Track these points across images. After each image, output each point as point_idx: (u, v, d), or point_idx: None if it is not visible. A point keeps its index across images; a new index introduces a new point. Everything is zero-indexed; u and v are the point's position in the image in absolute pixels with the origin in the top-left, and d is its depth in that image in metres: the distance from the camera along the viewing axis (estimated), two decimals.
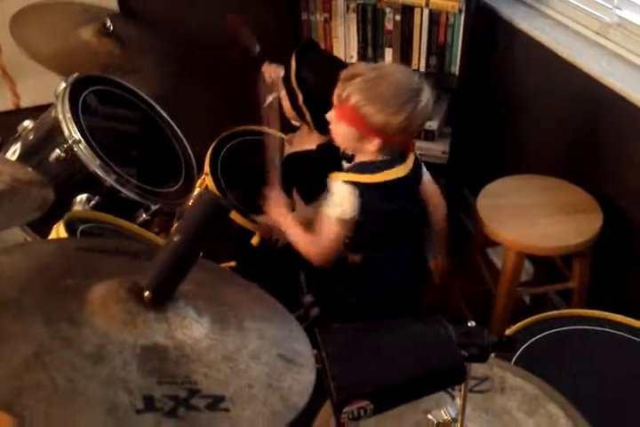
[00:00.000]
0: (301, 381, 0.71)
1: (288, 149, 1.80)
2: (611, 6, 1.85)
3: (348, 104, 1.35)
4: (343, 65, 1.77)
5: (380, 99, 1.34)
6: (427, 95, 1.38)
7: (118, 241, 1.13)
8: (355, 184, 1.42)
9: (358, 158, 1.48)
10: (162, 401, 0.59)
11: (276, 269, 1.67)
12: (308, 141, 1.73)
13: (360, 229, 1.46)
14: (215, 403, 0.62)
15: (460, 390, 0.92)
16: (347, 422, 0.78)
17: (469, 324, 0.87)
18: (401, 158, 1.48)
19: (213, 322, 0.73)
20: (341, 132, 1.43)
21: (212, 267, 0.94)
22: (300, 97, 1.61)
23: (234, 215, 1.71)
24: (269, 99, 1.82)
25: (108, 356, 0.62)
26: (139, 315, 0.68)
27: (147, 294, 0.69)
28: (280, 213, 1.52)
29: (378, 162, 1.45)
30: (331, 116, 1.44)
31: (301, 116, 1.66)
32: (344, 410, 0.77)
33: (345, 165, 1.52)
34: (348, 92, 1.35)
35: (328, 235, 1.44)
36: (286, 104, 1.69)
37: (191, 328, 0.69)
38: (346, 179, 1.43)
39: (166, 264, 0.69)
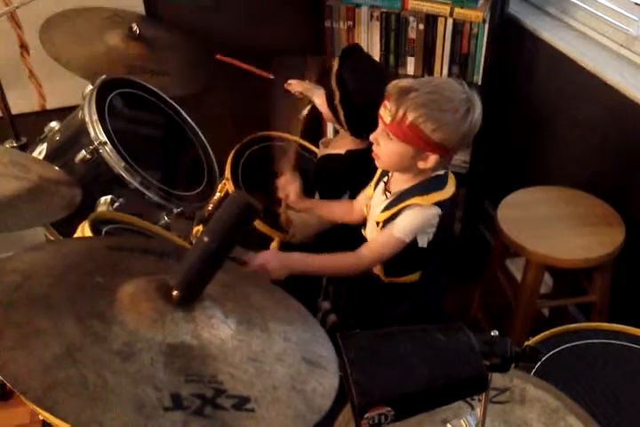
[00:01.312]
0: (325, 384, 0.71)
1: (322, 151, 1.82)
2: (636, 19, 1.84)
3: (406, 122, 1.29)
4: (385, 71, 1.78)
5: (439, 114, 1.29)
6: (479, 103, 1.34)
7: (146, 241, 1.14)
8: (440, 204, 1.38)
9: (410, 179, 1.42)
10: (189, 400, 0.60)
11: (294, 275, 1.67)
12: (340, 145, 1.74)
13: (429, 249, 1.43)
14: (241, 403, 0.62)
15: (480, 400, 0.91)
16: None
17: (492, 333, 0.87)
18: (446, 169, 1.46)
19: (239, 323, 0.73)
20: (396, 150, 1.35)
21: (237, 270, 0.94)
22: (338, 96, 1.61)
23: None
24: (304, 112, 1.82)
25: (137, 353, 0.62)
26: (167, 313, 0.68)
27: (175, 293, 0.70)
28: (293, 260, 1.42)
29: (442, 176, 1.42)
30: (378, 136, 1.37)
31: (336, 117, 1.67)
32: (365, 416, 0.77)
33: (403, 187, 1.43)
34: (404, 110, 1.29)
35: (387, 255, 1.41)
36: (324, 106, 1.69)
37: (218, 328, 0.70)
38: (433, 201, 1.38)
39: (195, 264, 0.70)
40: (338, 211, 1.64)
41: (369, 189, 1.56)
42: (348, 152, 1.69)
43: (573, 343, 1.37)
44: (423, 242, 1.41)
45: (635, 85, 1.76)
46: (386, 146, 1.37)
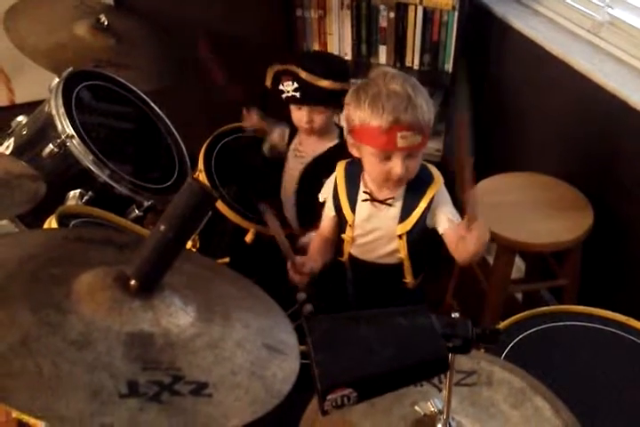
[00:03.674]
0: (285, 369, 0.71)
1: (298, 161, 1.75)
2: (602, 5, 1.86)
3: (429, 129, 1.34)
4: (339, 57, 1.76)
5: (428, 96, 1.34)
6: None
7: (107, 232, 1.13)
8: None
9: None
10: (146, 386, 0.60)
11: (270, 266, 1.67)
12: (315, 148, 1.73)
13: None
14: (198, 389, 0.63)
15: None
16: (330, 410, 0.79)
17: (453, 315, 0.88)
18: None
19: (199, 311, 0.73)
20: (420, 157, 1.38)
21: (206, 262, 0.95)
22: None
23: (228, 213, 1.72)
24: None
25: (94, 342, 0.63)
26: (125, 303, 0.68)
27: (133, 282, 0.70)
28: None
29: None
30: (402, 166, 1.32)
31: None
32: (327, 398, 0.78)
33: (395, 190, 1.42)
34: (428, 119, 1.30)
35: None
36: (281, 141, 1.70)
37: (177, 316, 0.70)
38: (440, 176, 1.45)
39: (152, 253, 0.70)
40: (328, 249, 1.58)
41: (345, 212, 1.47)
42: (336, 147, 1.69)
43: (544, 326, 1.39)
44: None
45: (602, 71, 1.78)
46: (414, 163, 1.35)
